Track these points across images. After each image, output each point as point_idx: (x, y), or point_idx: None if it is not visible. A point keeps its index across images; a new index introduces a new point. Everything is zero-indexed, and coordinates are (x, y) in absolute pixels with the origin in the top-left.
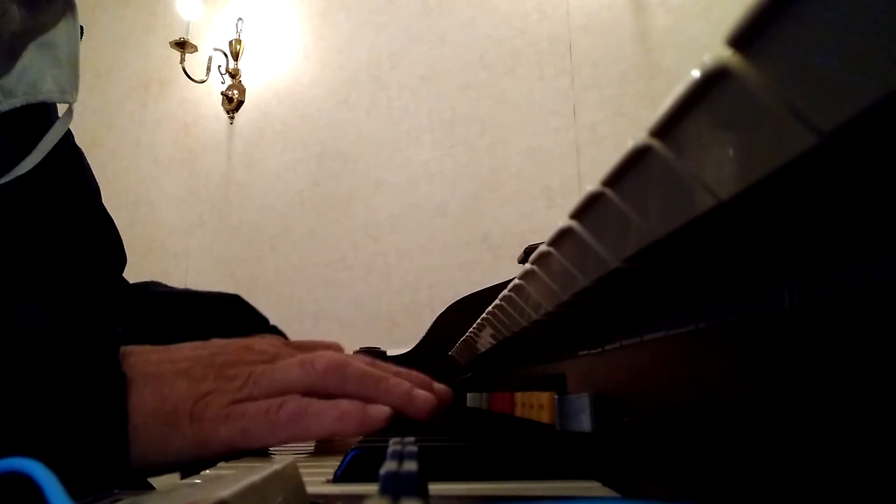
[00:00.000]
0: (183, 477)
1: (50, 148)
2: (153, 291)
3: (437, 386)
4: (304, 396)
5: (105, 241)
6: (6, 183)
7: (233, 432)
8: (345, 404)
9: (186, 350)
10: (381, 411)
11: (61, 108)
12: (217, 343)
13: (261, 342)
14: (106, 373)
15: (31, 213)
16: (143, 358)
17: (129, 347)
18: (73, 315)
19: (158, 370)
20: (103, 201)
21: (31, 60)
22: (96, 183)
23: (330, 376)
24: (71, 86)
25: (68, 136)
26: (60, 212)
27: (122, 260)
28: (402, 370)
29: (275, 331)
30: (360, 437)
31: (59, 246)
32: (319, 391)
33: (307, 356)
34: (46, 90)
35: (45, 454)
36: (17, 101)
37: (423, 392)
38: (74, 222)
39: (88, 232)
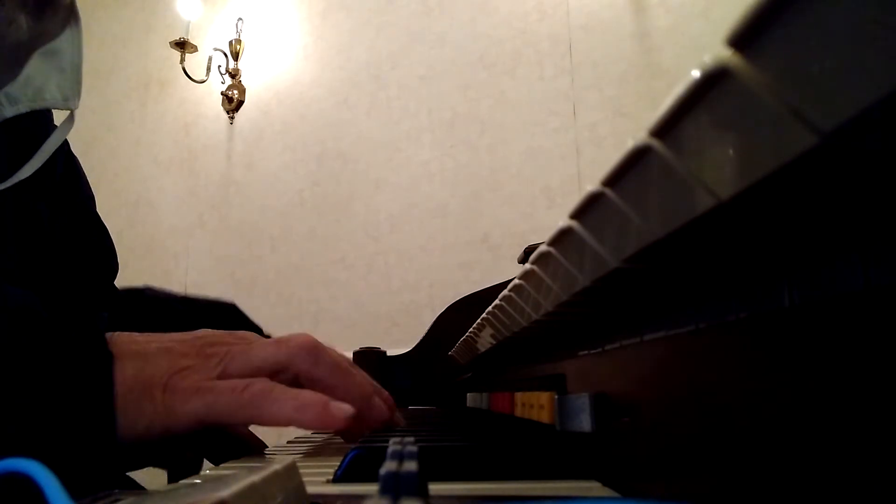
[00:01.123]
0: (170, 480)
1: (51, 153)
2: (150, 295)
3: (397, 415)
4: (274, 379)
5: (97, 249)
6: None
7: (199, 406)
8: (307, 395)
9: (172, 334)
10: (342, 409)
11: (58, 114)
12: (203, 331)
13: (244, 332)
14: (92, 349)
15: (26, 216)
16: (128, 339)
17: (116, 332)
18: (63, 305)
19: (143, 348)
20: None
21: (36, 68)
22: (91, 192)
23: (302, 354)
24: (73, 93)
25: (65, 143)
26: (55, 217)
27: (113, 269)
28: (375, 383)
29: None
30: (362, 437)
31: (53, 250)
32: (290, 368)
33: (284, 336)
34: (50, 97)
35: (35, 430)
36: (21, 108)
37: (380, 403)
38: (68, 228)
39: (81, 239)
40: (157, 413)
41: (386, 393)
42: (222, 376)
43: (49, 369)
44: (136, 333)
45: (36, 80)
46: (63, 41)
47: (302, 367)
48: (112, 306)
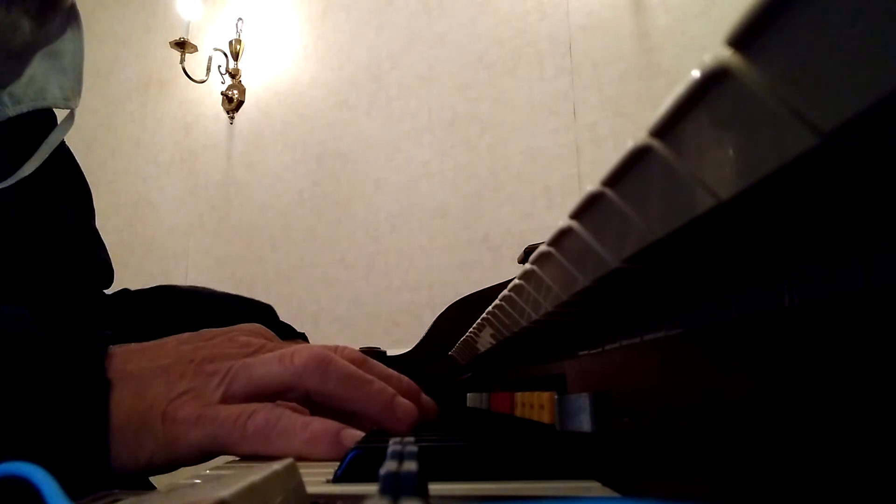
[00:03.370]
0: None
1: (51, 151)
2: (205, 293)
3: (425, 398)
4: (280, 404)
5: (94, 263)
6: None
7: (202, 437)
8: (317, 425)
9: (170, 345)
10: (355, 439)
11: (61, 113)
12: (204, 335)
13: (247, 333)
14: (89, 377)
15: (42, 214)
16: (125, 357)
17: (114, 348)
18: (65, 318)
19: (138, 368)
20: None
21: (39, 69)
22: (93, 205)
23: (309, 372)
24: (74, 92)
25: (70, 154)
26: (69, 215)
27: (107, 284)
28: (394, 374)
29: (303, 338)
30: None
31: (73, 245)
32: (298, 388)
33: (287, 350)
34: (52, 97)
35: (25, 457)
36: (24, 107)
37: (406, 402)
38: (78, 232)
39: (84, 248)
40: (158, 445)
41: (406, 380)
42: (225, 398)
43: (42, 398)
44: (133, 347)
45: (38, 80)
46: (64, 42)
47: (311, 385)
48: (100, 314)
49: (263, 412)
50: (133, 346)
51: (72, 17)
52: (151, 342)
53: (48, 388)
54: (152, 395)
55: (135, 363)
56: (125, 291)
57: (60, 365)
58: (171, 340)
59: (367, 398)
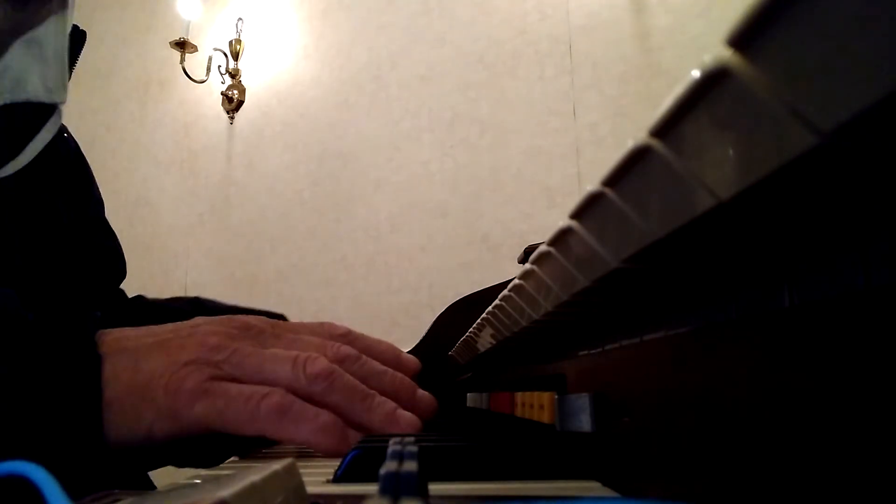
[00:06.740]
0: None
1: (39, 149)
2: (210, 305)
3: (421, 393)
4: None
5: (105, 252)
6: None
7: (208, 410)
8: (326, 417)
9: (168, 326)
10: (358, 440)
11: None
12: (199, 318)
13: (245, 317)
14: (79, 352)
15: (38, 211)
16: (121, 335)
17: (109, 329)
18: (56, 304)
19: (136, 344)
20: (104, 200)
21: (15, 58)
22: (101, 197)
23: (318, 383)
24: (58, 85)
25: (76, 146)
26: (69, 213)
27: (121, 272)
28: (388, 370)
29: (282, 318)
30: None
31: (67, 247)
32: (302, 394)
33: (302, 355)
34: (32, 89)
35: (19, 435)
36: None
37: (406, 414)
38: (78, 229)
39: (90, 240)
40: (158, 417)
41: (400, 376)
42: (227, 378)
43: (32, 376)
44: (129, 328)
45: (15, 71)
46: (46, 30)
47: (316, 394)
48: (118, 308)
49: (278, 395)
50: (128, 327)
51: (59, 4)
52: (146, 325)
53: (37, 366)
54: (152, 367)
55: (131, 340)
56: (140, 298)
57: (49, 343)
58: (167, 324)
59: (368, 411)
